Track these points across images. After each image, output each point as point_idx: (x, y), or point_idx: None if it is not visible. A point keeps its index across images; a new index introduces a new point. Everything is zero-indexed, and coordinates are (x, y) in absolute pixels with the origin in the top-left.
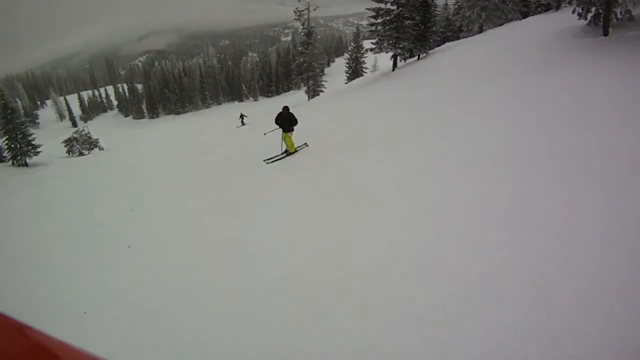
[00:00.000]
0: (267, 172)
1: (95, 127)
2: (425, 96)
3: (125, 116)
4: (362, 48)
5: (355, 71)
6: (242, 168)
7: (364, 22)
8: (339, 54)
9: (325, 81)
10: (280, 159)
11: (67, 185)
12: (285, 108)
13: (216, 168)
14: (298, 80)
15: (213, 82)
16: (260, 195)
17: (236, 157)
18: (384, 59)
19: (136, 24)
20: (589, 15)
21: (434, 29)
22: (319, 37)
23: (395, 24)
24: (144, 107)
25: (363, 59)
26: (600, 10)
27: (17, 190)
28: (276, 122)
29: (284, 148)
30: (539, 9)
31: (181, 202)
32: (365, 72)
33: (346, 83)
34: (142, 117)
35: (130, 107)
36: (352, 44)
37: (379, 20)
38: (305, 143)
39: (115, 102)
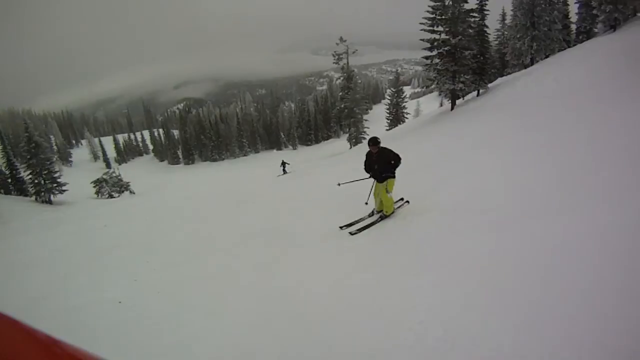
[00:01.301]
0: (364, 254)
1: (129, 170)
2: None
3: (161, 161)
4: (403, 93)
5: (396, 117)
6: (307, 241)
7: (405, 65)
8: (376, 101)
9: (368, 127)
10: (370, 225)
11: (75, 234)
12: (374, 143)
13: (264, 237)
14: (337, 129)
15: (250, 130)
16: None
17: (295, 219)
18: (428, 103)
19: (173, 71)
20: None
21: (493, 61)
22: (360, 81)
23: (453, 55)
24: (179, 152)
25: (404, 104)
26: None
27: (24, 230)
28: (367, 170)
29: (375, 206)
30: (580, 37)
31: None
32: (407, 118)
33: (388, 130)
34: (178, 162)
35: (165, 152)
36: (391, 89)
37: (434, 53)
38: (402, 198)
39: (150, 147)
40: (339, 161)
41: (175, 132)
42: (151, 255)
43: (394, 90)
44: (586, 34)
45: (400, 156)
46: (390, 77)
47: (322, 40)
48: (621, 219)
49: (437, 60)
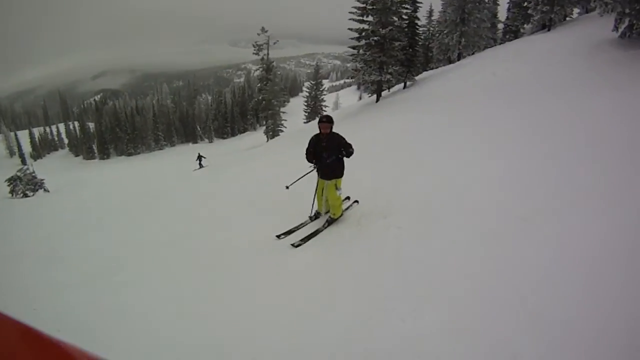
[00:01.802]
0: (316, 279)
1: (44, 166)
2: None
3: (76, 156)
4: (322, 85)
5: (314, 110)
6: (235, 259)
7: (324, 59)
8: (293, 94)
9: (285, 120)
10: (316, 233)
11: None
12: (327, 120)
13: (176, 253)
14: (254, 121)
15: (166, 122)
16: None
17: (218, 225)
18: (346, 97)
19: (92, 62)
20: (621, 27)
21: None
22: (279, 72)
23: (382, 46)
24: (94, 146)
25: (322, 97)
26: (633, 21)
27: None
28: (309, 158)
29: (318, 208)
30: (507, 36)
31: None
32: (325, 111)
33: (305, 122)
34: (93, 157)
35: (81, 146)
36: (310, 81)
37: (362, 43)
38: (349, 197)
39: (66, 141)
40: (256, 154)
41: (92, 125)
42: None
43: (313, 82)
44: (513, 33)
45: (353, 149)
46: (309, 71)
47: (241, 32)
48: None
49: (363, 52)
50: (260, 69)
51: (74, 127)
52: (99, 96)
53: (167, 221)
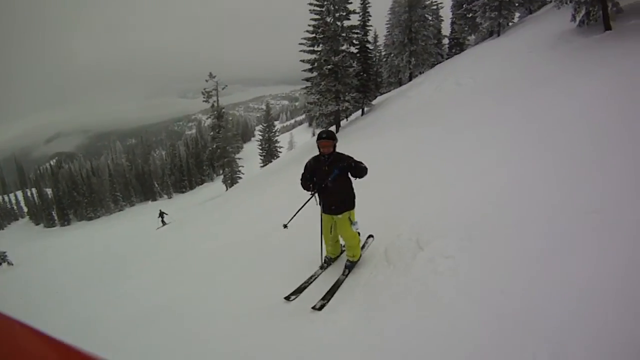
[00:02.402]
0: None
1: (5, 237)
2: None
3: (36, 224)
4: (274, 127)
5: (269, 152)
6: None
7: (272, 100)
8: (246, 139)
9: (242, 166)
10: (338, 286)
11: None
12: (328, 137)
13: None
14: (211, 171)
15: (123, 182)
16: None
17: (205, 291)
18: (299, 135)
19: (44, 125)
20: (579, 16)
21: (375, 78)
22: (230, 118)
23: (336, 74)
24: (54, 213)
25: (276, 139)
26: (590, 9)
27: None
28: (305, 185)
29: (328, 253)
30: (453, 50)
31: None
32: (280, 152)
33: (262, 166)
34: (54, 224)
35: (40, 214)
36: (262, 124)
37: (315, 74)
38: (359, 232)
39: (25, 209)
40: (219, 204)
41: (49, 191)
42: None
43: (264, 125)
44: (459, 46)
45: (367, 169)
46: (258, 115)
47: (188, 83)
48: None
49: (317, 81)
50: (212, 117)
51: (31, 194)
52: (54, 160)
53: (140, 292)
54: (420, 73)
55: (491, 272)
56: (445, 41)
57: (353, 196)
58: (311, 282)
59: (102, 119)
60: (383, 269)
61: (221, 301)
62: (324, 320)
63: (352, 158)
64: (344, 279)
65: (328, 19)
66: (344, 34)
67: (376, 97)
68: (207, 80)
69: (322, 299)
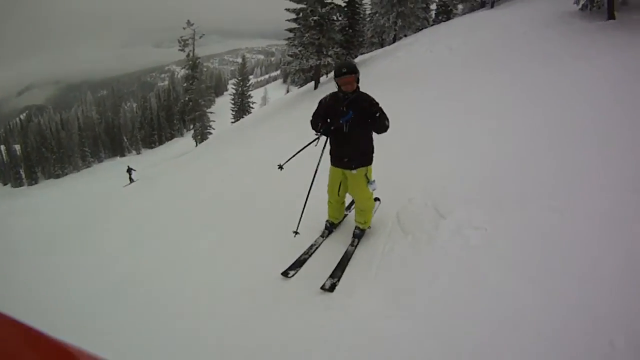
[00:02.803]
0: None
1: None
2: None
3: (4, 184)
4: (248, 81)
5: (241, 108)
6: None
7: (247, 54)
8: (219, 93)
9: (214, 121)
10: (347, 260)
11: None
12: (349, 70)
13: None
14: (181, 126)
15: (92, 136)
16: None
17: (178, 265)
18: (274, 91)
19: (14, 77)
20: (581, 1)
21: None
22: (205, 70)
23: (321, 26)
24: (22, 172)
25: (249, 94)
26: None
27: None
28: (316, 125)
29: (331, 216)
30: (440, 17)
31: None
32: (253, 108)
33: (233, 122)
34: (21, 184)
35: (8, 172)
36: (237, 77)
37: (298, 26)
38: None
39: None
40: (189, 160)
41: (18, 148)
42: None
43: (239, 79)
44: (446, 14)
45: (389, 121)
46: (232, 68)
47: (163, 32)
48: None
49: (300, 33)
50: (186, 67)
51: (0, 152)
52: (24, 114)
53: (107, 260)
54: (405, 36)
55: (540, 248)
56: (433, 7)
57: (372, 149)
58: (311, 254)
59: (73, 69)
60: (399, 239)
61: (203, 274)
62: (342, 307)
63: (375, 101)
64: (354, 251)
65: None
66: None
67: (356, 56)
68: (184, 28)
69: (331, 276)
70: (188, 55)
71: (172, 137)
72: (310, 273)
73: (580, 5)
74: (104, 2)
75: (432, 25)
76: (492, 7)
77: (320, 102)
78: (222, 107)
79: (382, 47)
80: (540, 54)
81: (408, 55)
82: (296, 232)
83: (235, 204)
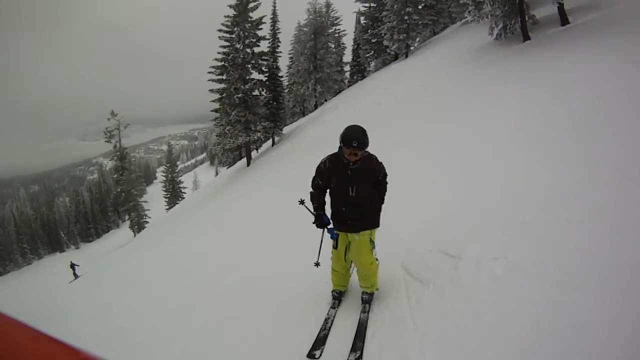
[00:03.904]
0: None
1: None
2: None
3: None
4: (177, 167)
5: (174, 194)
6: None
7: (171, 141)
8: (149, 182)
9: (149, 210)
10: (362, 333)
11: None
12: (357, 147)
13: None
14: (116, 217)
15: (30, 232)
16: None
17: None
18: (203, 174)
19: None
20: (496, 30)
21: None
22: (133, 160)
23: (246, 103)
24: None
25: (179, 179)
26: (507, 22)
27: None
28: (316, 199)
29: (336, 284)
30: (355, 77)
31: None
32: (185, 193)
33: (168, 209)
34: None
35: None
36: (165, 165)
37: (219, 106)
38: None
39: None
40: (130, 251)
41: None
42: None
43: (167, 165)
44: (360, 73)
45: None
46: (159, 156)
47: (88, 125)
48: None
49: (228, 112)
50: (114, 158)
51: None
52: None
53: None
54: (325, 101)
55: (571, 270)
56: (347, 68)
57: (379, 209)
58: (330, 328)
59: (5, 165)
60: (420, 290)
61: None
62: None
63: (382, 165)
64: (367, 317)
65: (238, 46)
66: (253, 61)
67: (282, 128)
68: (109, 119)
69: (353, 349)
70: (115, 146)
71: (108, 230)
72: (333, 348)
73: (495, 36)
74: (25, 98)
75: (348, 86)
76: (406, 57)
77: (319, 168)
78: (154, 195)
79: (304, 115)
80: (469, 88)
81: (336, 118)
82: (317, 264)
83: (223, 293)
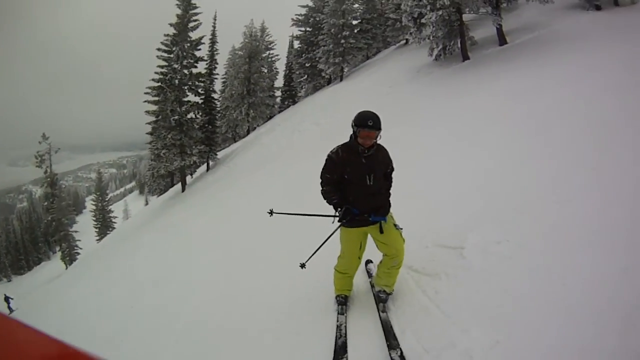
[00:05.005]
0: None
1: None
2: None
3: None
4: (107, 195)
5: (104, 224)
6: None
7: (100, 169)
8: (78, 211)
9: (79, 240)
10: (390, 331)
11: None
12: (373, 126)
13: None
14: (46, 249)
15: None
16: None
17: None
18: (133, 203)
19: None
20: (435, 51)
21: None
22: (64, 186)
23: (182, 126)
24: None
25: (109, 208)
26: (446, 43)
27: None
28: (330, 195)
29: (340, 288)
30: (286, 102)
31: None
32: (115, 222)
33: (99, 240)
34: None
35: None
36: (95, 193)
37: (160, 127)
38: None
39: None
40: (67, 283)
41: None
42: None
43: (97, 194)
44: (292, 98)
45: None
46: (87, 185)
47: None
48: None
49: (164, 135)
50: (45, 185)
51: None
52: None
53: None
54: (258, 126)
55: (576, 249)
56: (278, 93)
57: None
58: (345, 334)
59: None
60: (433, 282)
61: None
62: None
63: (387, 158)
64: (388, 317)
65: (176, 66)
66: (190, 83)
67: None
68: (40, 142)
69: (391, 348)
70: (46, 171)
71: (40, 261)
72: (362, 354)
73: (434, 56)
74: None
75: (279, 111)
76: (341, 80)
77: (330, 159)
78: (84, 225)
79: (235, 141)
80: (406, 110)
81: (274, 140)
82: (303, 265)
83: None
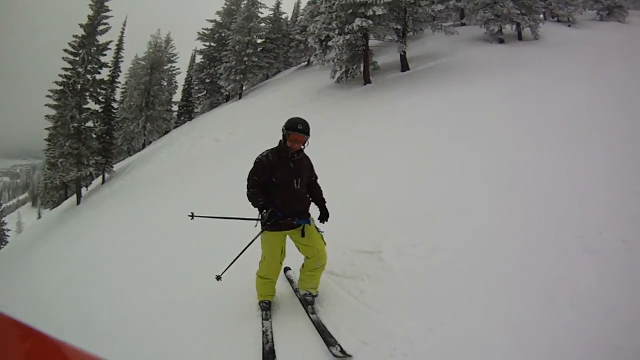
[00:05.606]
0: None
1: None
2: None
3: None
4: (1, 206)
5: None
6: None
7: None
8: None
9: None
10: (325, 334)
11: None
12: (302, 130)
13: None
14: None
15: None
16: None
17: None
18: (28, 215)
19: None
20: (337, 74)
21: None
22: None
23: (80, 134)
24: None
25: (3, 220)
26: (349, 67)
27: None
28: (256, 198)
29: (263, 294)
30: (182, 117)
31: None
32: (9, 236)
33: None
34: None
35: None
36: None
37: (58, 133)
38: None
39: None
40: None
41: None
42: None
43: None
44: (188, 113)
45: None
46: None
47: None
48: None
49: (62, 143)
50: None
51: None
52: None
53: None
54: (153, 140)
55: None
56: (175, 108)
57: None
58: (272, 340)
59: None
60: (357, 284)
61: None
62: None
63: (309, 162)
64: (318, 318)
65: (80, 70)
66: (92, 89)
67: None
68: None
69: (329, 345)
70: None
71: None
72: (292, 357)
73: (336, 78)
74: None
75: (175, 126)
76: (240, 97)
77: (260, 162)
78: None
79: (130, 154)
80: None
81: (172, 154)
82: (219, 277)
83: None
